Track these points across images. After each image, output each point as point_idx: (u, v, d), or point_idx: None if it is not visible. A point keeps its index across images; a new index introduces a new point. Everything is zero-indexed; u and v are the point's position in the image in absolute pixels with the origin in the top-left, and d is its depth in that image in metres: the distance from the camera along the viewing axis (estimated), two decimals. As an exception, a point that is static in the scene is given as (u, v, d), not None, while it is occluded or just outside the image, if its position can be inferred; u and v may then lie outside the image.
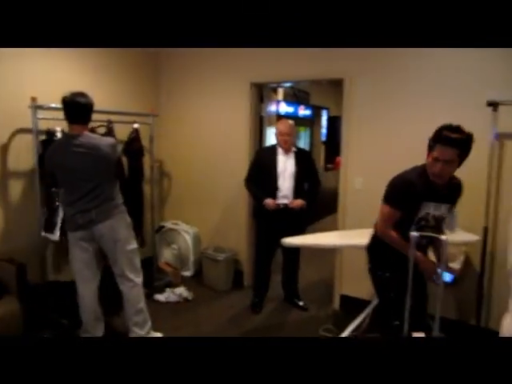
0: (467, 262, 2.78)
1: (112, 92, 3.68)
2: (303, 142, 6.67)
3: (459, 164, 1.87)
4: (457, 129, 1.81)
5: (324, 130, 7.47)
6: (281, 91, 5.52)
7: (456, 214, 2.68)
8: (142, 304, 2.69)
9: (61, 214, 2.84)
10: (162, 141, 4.15)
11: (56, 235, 2.87)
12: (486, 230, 2.69)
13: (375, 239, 2.13)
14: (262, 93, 4.01)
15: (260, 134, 4.07)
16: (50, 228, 2.89)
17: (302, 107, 6.26)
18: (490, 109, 2.61)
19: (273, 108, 5.23)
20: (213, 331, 2.98)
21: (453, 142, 1.78)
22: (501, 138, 2.68)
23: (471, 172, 2.75)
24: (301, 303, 3.41)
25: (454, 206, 2.06)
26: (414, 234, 1.88)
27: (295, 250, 3.30)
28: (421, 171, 1.95)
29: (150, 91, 4.09)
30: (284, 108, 5.55)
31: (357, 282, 3.23)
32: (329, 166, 7.46)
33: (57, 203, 2.87)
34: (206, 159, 4.01)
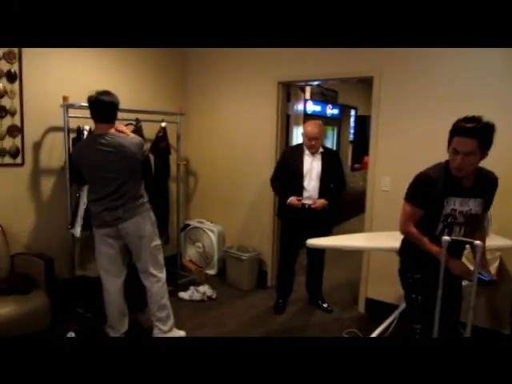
0: (501, 268, 2.65)
1: (140, 91, 3.74)
2: (330, 142, 6.58)
3: (482, 156, 1.77)
4: (473, 118, 1.72)
5: (352, 130, 7.34)
6: (308, 90, 5.45)
7: (489, 218, 2.57)
8: (166, 300, 2.71)
9: (82, 210, 2.91)
10: (189, 139, 4.19)
11: (77, 231, 2.94)
12: (523, 235, 2.55)
13: (406, 240, 2.06)
14: (289, 92, 3.96)
15: (287, 133, 4.02)
16: (72, 223, 2.96)
17: (330, 106, 6.16)
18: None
19: (300, 107, 5.17)
20: (236, 330, 2.97)
21: (470, 131, 1.69)
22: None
23: (507, 172, 2.63)
24: (325, 305, 3.35)
25: (489, 201, 1.94)
26: (445, 238, 1.80)
27: (320, 252, 3.25)
28: (443, 166, 1.87)
29: (178, 90, 4.13)
30: (311, 107, 5.48)
31: (384, 286, 3.14)
32: (356, 165, 7.33)
33: (78, 199, 2.94)
34: (231, 158, 4.00)
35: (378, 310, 3.15)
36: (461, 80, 2.76)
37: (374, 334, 2.62)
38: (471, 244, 1.75)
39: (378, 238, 2.81)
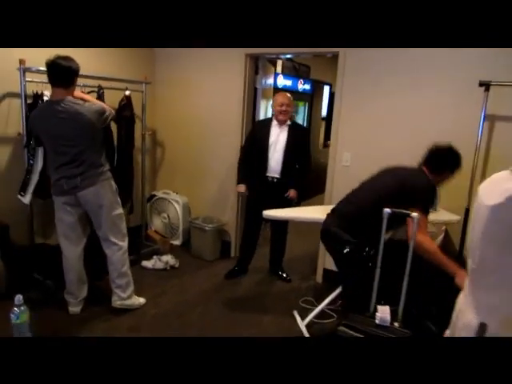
0: (447, 239, 2.80)
1: (106, 57, 3.63)
2: (301, 117, 6.61)
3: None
4: None
5: (325, 106, 7.38)
6: (280, 64, 5.42)
7: (438, 194, 2.71)
8: (126, 268, 2.76)
9: (34, 177, 2.85)
10: (157, 110, 4.14)
11: (26, 199, 2.88)
12: (467, 210, 2.70)
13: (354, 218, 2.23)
14: (257, 64, 3.95)
15: (254, 107, 4.02)
16: (23, 190, 2.90)
17: (301, 81, 6.16)
18: (481, 89, 2.58)
19: (269, 80, 5.15)
20: (195, 297, 3.06)
21: None
22: (490, 119, 2.66)
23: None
24: (284, 275, 3.48)
25: None
26: (386, 210, 1.91)
27: (283, 224, 3.35)
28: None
29: (146, 59, 4.04)
30: (282, 81, 5.47)
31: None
32: (328, 142, 7.41)
33: (32, 167, 2.87)
34: (199, 130, 3.99)
35: (335, 279, 3.29)
36: (424, 60, 2.84)
37: (325, 303, 2.74)
38: (409, 216, 1.87)
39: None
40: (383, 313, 1.84)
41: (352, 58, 3.09)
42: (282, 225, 3.34)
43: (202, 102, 3.94)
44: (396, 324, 1.94)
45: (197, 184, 4.11)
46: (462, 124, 2.73)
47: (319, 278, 3.49)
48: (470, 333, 1.28)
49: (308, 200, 5.79)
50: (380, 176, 2.31)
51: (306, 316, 2.78)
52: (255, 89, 3.98)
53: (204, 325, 2.69)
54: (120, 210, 2.72)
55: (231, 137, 3.69)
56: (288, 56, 5.04)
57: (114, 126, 3.32)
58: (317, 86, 6.92)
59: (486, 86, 2.57)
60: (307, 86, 6.41)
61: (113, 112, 2.66)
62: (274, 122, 3.18)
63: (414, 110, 2.91)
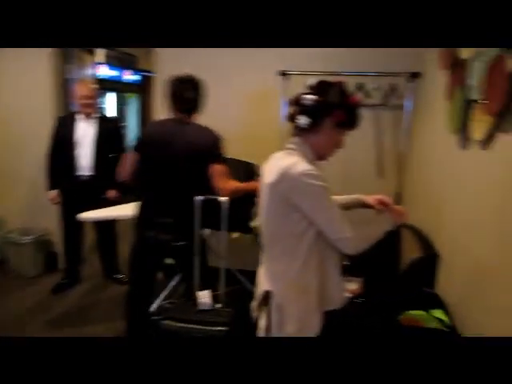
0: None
1: None
2: (133, 110, 6.36)
3: None
4: None
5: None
6: (100, 53, 5.05)
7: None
8: None
9: None
10: None
11: None
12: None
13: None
14: (70, 54, 3.60)
15: (67, 99, 3.65)
16: None
17: (129, 72, 5.89)
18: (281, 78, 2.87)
19: (88, 71, 4.76)
20: (12, 323, 2.66)
21: None
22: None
23: (263, 140, 2.99)
24: (119, 276, 3.30)
25: None
26: (199, 197, 1.96)
27: (108, 225, 3.15)
28: None
29: None
30: (104, 71, 5.12)
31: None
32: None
33: None
34: (3, 132, 3.45)
35: (175, 272, 3.27)
36: (240, 54, 3.02)
37: (163, 294, 2.72)
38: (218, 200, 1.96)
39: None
40: (203, 297, 1.90)
41: (168, 52, 3.11)
42: (107, 225, 3.15)
43: (4, 99, 3.40)
44: (218, 305, 2.03)
45: (8, 194, 3.55)
46: (264, 112, 3.02)
47: (159, 273, 3.42)
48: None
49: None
50: (158, 159, 2.06)
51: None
52: (68, 80, 3.61)
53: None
54: None
55: (43, 135, 3.27)
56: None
57: None
58: (148, 77, 6.72)
59: (284, 75, 2.87)
60: (136, 77, 6.16)
61: None
62: (79, 116, 2.94)
63: (226, 100, 3.08)
